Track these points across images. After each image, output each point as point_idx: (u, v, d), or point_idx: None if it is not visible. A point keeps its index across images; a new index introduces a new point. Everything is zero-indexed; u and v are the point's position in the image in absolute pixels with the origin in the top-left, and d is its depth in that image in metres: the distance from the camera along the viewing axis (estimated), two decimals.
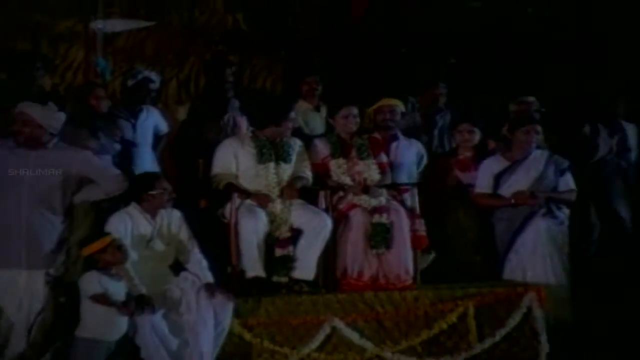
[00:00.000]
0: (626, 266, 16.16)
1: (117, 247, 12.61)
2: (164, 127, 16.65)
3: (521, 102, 16.42)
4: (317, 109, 17.05)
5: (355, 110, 15.53)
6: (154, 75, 17.18)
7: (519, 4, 20.42)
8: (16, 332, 13.05)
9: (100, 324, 12.51)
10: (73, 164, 13.50)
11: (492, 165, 15.28)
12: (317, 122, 16.80)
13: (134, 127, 16.06)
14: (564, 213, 15.20)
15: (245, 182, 14.59)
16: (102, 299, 12.37)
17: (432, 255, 15.09)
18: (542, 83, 17.63)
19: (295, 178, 14.71)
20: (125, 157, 15.44)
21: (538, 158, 15.33)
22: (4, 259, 13.07)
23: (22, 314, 13.07)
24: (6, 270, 13.06)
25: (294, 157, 14.87)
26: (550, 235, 14.71)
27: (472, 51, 20.60)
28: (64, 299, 13.16)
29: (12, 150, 13.33)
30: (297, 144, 15.05)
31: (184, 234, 13.38)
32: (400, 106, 16.23)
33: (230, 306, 13.26)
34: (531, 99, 16.42)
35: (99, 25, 18.01)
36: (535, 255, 14.64)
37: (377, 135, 15.72)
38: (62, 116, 13.87)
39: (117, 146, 15.44)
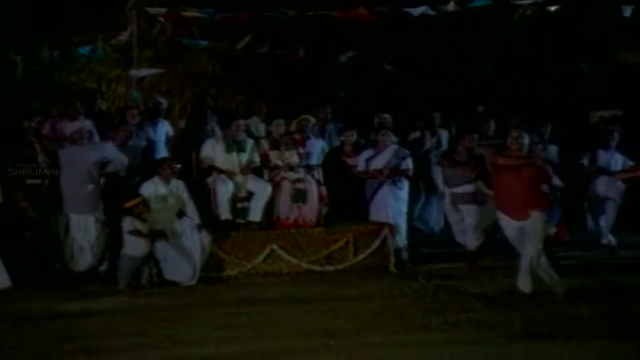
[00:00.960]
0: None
1: (143, 204, 13.43)
2: (171, 132, 16.67)
3: (381, 117, 16.43)
4: (263, 121, 16.95)
5: (281, 121, 15.92)
6: (162, 99, 17.34)
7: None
8: (84, 251, 13.82)
9: (134, 247, 13.30)
10: (102, 152, 14.23)
11: (365, 154, 15.57)
12: (262, 129, 16.79)
13: (154, 131, 16.15)
14: (403, 182, 15.47)
15: (220, 164, 15.04)
16: (135, 233, 13.26)
17: (328, 207, 15.42)
18: (393, 106, 17.63)
19: (249, 162, 15.20)
20: (149, 150, 15.73)
21: (390, 150, 15.49)
22: (74, 208, 13.82)
23: (86, 239, 13.78)
24: (76, 214, 13.83)
25: (248, 149, 15.27)
26: (393, 195, 15.11)
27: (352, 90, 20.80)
28: (109, 231, 13.86)
29: (75, 147, 14.09)
30: (250, 142, 15.45)
31: (185, 194, 13.99)
32: (312, 120, 16.33)
33: (210, 237, 14.00)
34: (386, 115, 16.52)
35: (133, 72, 18.12)
36: (384, 206, 14.98)
37: (297, 136, 15.85)
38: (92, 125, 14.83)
39: (144, 143, 15.70)
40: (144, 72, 18.82)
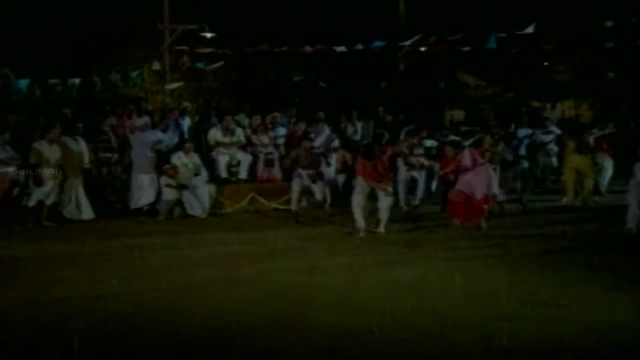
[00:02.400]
0: None
1: (174, 168, 13.37)
2: (190, 123, 16.69)
3: (318, 114, 16.30)
4: (247, 116, 16.73)
5: (258, 117, 15.97)
6: (186, 103, 17.51)
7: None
8: (147, 193, 13.56)
9: (169, 194, 13.41)
10: (155, 135, 14.10)
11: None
12: (246, 121, 16.40)
13: (182, 121, 16.01)
14: (332, 155, 14.93)
15: (224, 140, 15.09)
16: (169, 185, 13.34)
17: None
18: (326, 107, 17.23)
19: (238, 141, 15.19)
20: (179, 134, 15.32)
21: (324, 135, 15.27)
22: (142, 170, 13.57)
23: (150, 187, 13.56)
24: (142, 174, 13.59)
25: (236, 134, 15.27)
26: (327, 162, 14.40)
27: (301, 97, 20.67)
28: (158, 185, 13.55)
29: (142, 133, 13.94)
30: (238, 129, 15.43)
31: (198, 161, 13.84)
32: (278, 115, 16.36)
33: (214, 188, 14.05)
34: (321, 113, 16.30)
35: (167, 87, 18.23)
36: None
37: (269, 125, 15.90)
38: (149, 120, 14.74)
39: (178, 131, 15.51)
40: (173, 86, 18.75)
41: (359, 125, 17.91)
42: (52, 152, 12.52)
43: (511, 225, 12.47)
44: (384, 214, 11.71)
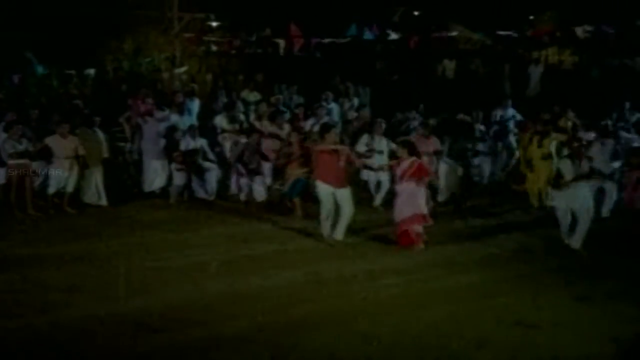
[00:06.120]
0: None
1: (181, 155, 12.99)
2: (198, 106, 16.13)
3: (325, 93, 16.00)
4: (251, 91, 16.54)
5: (265, 104, 15.32)
6: (194, 85, 17.09)
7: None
8: (159, 177, 13.33)
9: (179, 178, 13.09)
10: (165, 123, 13.75)
11: (310, 121, 14.56)
12: (251, 97, 16.32)
13: (192, 104, 15.73)
14: None
15: (228, 127, 14.47)
16: (179, 170, 13.03)
17: None
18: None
19: (241, 127, 14.55)
20: (189, 117, 15.04)
21: (325, 117, 14.55)
22: (153, 155, 13.30)
23: (162, 171, 13.32)
24: (155, 160, 13.33)
25: (239, 120, 14.61)
26: None
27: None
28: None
29: (155, 122, 13.58)
30: (241, 116, 14.85)
31: (205, 146, 13.36)
32: (280, 97, 15.96)
33: (221, 171, 13.49)
34: (329, 93, 16.13)
35: (177, 70, 18.13)
36: None
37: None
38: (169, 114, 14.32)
39: (189, 111, 15.28)
40: (183, 69, 18.54)
41: (355, 101, 17.55)
42: (65, 145, 12.28)
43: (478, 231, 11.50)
44: (344, 221, 10.29)
